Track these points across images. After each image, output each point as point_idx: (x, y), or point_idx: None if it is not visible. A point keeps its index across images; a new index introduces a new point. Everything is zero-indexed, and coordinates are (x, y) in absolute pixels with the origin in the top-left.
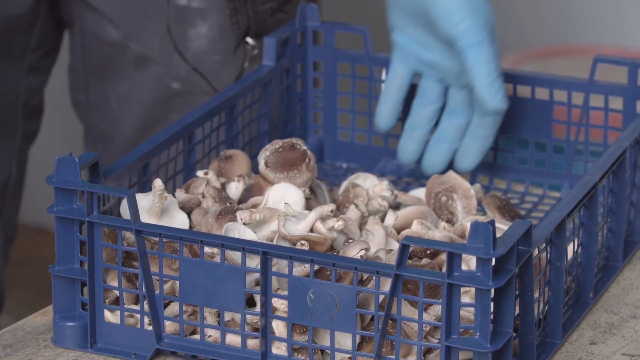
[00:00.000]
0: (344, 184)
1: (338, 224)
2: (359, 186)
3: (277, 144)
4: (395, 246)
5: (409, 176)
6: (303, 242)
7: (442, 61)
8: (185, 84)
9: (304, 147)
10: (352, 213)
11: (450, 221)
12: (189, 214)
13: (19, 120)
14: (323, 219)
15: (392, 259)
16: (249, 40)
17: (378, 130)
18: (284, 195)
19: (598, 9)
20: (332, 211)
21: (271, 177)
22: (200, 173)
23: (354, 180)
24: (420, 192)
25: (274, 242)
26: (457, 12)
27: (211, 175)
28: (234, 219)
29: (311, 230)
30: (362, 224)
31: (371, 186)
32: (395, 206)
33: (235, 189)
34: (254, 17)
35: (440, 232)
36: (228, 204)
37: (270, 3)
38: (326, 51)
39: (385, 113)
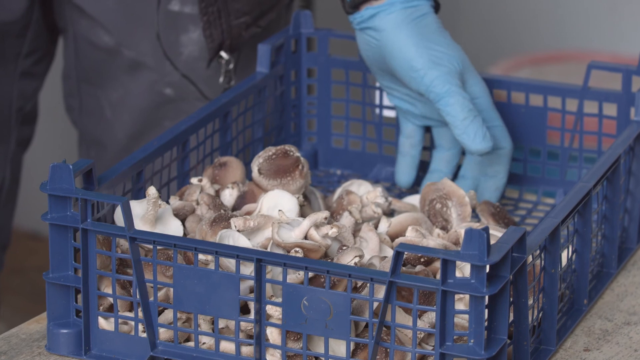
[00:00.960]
0: (338, 191)
1: (332, 231)
2: (353, 193)
3: (270, 151)
4: (389, 253)
5: None
6: (297, 249)
7: (428, 112)
8: (177, 90)
9: (297, 154)
10: (346, 220)
11: (444, 228)
12: (183, 221)
13: (12, 125)
14: (317, 226)
15: (386, 266)
16: (223, 54)
17: (400, 188)
18: (278, 202)
19: (592, 15)
20: (326, 218)
21: (265, 184)
22: (194, 180)
23: (347, 187)
24: (414, 199)
25: (268, 249)
26: (418, 69)
27: (205, 182)
28: (228, 226)
29: (305, 238)
30: (356, 231)
31: (365, 193)
32: (390, 213)
33: (229, 195)
34: (228, 31)
35: (434, 240)
36: (222, 211)
37: (245, 17)
38: (320, 58)
39: (403, 172)
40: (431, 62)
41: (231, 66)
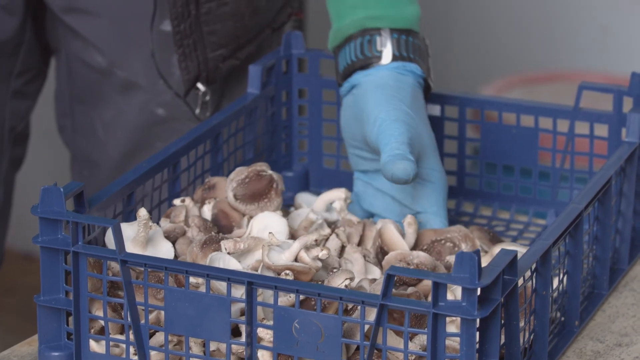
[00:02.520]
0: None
1: (322, 253)
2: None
3: (242, 173)
4: (375, 273)
5: None
6: (287, 272)
7: (387, 187)
8: (170, 110)
9: (269, 172)
10: (333, 242)
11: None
12: (173, 243)
13: (5, 146)
14: (307, 248)
15: (377, 289)
16: (200, 86)
17: None
18: (268, 224)
19: (584, 35)
20: (316, 240)
21: (242, 209)
22: (177, 201)
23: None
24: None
25: (259, 272)
26: (379, 117)
27: (188, 202)
28: (219, 248)
29: (295, 260)
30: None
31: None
32: (370, 215)
33: (208, 210)
34: (204, 64)
35: (423, 254)
36: (213, 233)
37: (222, 50)
38: (311, 78)
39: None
40: (395, 113)
41: (208, 98)
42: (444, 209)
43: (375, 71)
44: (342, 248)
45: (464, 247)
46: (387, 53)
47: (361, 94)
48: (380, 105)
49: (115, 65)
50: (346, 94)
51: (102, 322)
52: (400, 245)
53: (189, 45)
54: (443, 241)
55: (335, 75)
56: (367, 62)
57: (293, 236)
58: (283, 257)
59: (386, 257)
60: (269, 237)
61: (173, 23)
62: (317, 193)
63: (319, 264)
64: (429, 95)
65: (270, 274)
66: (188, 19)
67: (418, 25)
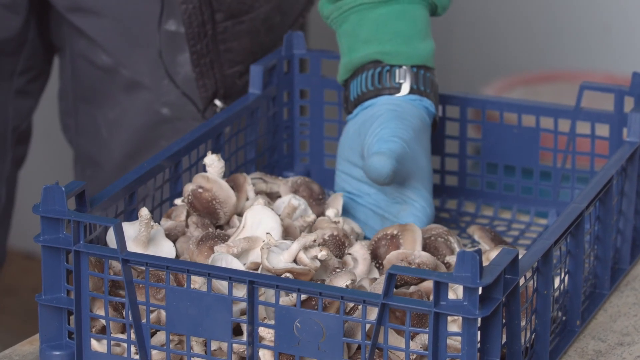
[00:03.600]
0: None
1: (321, 253)
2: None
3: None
4: (375, 272)
5: None
6: (288, 274)
7: (375, 204)
8: (174, 109)
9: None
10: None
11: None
12: (175, 242)
13: (8, 145)
14: (306, 248)
15: (378, 288)
16: (217, 102)
17: None
18: (262, 219)
19: (585, 35)
20: (314, 240)
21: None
22: (178, 201)
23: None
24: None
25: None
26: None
27: (185, 201)
28: (215, 245)
29: (295, 260)
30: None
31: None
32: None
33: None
34: (222, 81)
35: (425, 254)
36: (210, 230)
37: (238, 66)
38: (313, 79)
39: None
40: (397, 130)
41: None
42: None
43: (392, 98)
44: (340, 244)
45: (453, 240)
46: (406, 86)
47: (373, 112)
48: (386, 122)
49: (120, 65)
50: (354, 116)
51: (103, 322)
52: (418, 248)
53: (206, 64)
54: (433, 237)
55: (344, 104)
56: (383, 92)
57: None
58: (282, 259)
59: (387, 257)
60: (266, 237)
61: (190, 43)
62: None
63: (318, 264)
64: (435, 130)
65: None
66: (205, 38)
67: (432, 61)
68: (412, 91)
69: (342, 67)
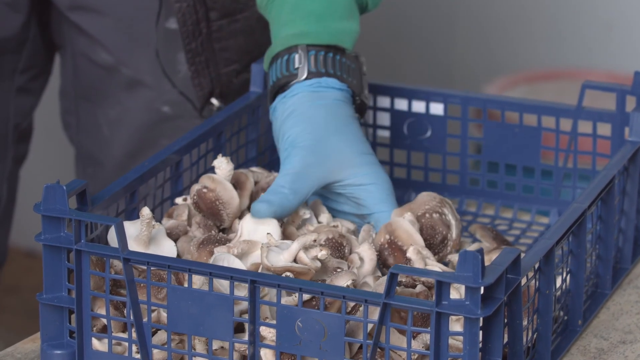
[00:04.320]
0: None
1: (321, 253)
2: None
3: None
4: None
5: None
6: (287, 273)
7: None
8: (175, 108)
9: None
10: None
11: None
12: (176, 242)
13: (9, 143)
14: (306, 248)
15: (381, 288)
16: (214, 101)
17: None
18: (258, 226)
19: (588, 33)
20: (315, 240)
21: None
22: (179, 200)
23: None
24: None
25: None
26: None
27: (190, 200)
28: (214, 250)
29: (295, 260)
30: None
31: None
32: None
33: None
34: (217, 79)
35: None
36: (213, 232)
37: (234, 65)
38: None
39: None
40: (295, 140)
41: None
42: (392, 204)
43: (290, 93)
44: (338, 245)
45: (448, 212)
46: (302, 70)
47: (276, 122)
48: (285, 133)
49: (121, 63)
50: (274, 110)
51: (104, 321)
52: (417, 239)
53: (202, 63)
54: (427, 215)
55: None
56: (286, 80)
57: (285, 233)
58: (282, 258)
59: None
60: (267, 237)
61: (184, 42)
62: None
63: (318, 264)
64: (365, 110)
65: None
66: (199, 37)
67: (350, 41)
68: (310, 75)
69: (265, 56)
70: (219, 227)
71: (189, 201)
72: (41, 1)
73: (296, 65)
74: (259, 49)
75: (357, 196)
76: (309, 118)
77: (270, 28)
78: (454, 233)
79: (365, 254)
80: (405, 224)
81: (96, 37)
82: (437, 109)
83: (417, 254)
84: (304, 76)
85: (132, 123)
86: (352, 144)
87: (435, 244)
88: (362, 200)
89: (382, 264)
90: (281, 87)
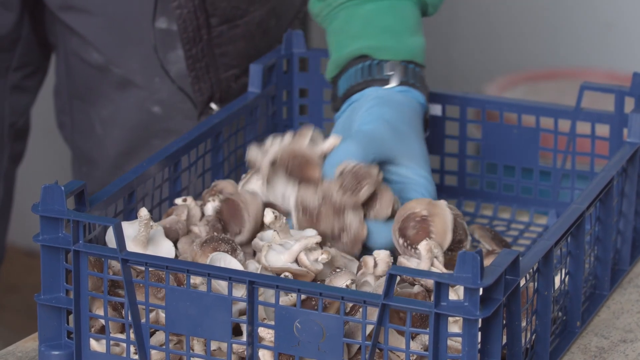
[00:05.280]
0: None
1: (322, 257)
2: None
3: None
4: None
5: None
6: (287, 274)
7: None
8: (165, 108)
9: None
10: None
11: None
12: (175, 242)
13: (5, 141)
14: (309, 249)
15: (380, 288)
16: (213, 106)
17: None
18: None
19: (587, 33)
20: (317, 243)
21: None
22: (179, 200)
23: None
24: None
25: (259, 271)
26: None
27: (190, 201)
28: (218, 247)
29: (296, 261)
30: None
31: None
32: None
33: (212, 209)
34: (217, 84)
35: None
36: (215, 233)
37: (234, 70)
38: (312, 78)
39: None
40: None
41: None
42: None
43: (380, 89)
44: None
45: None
46: (395, 78)
47: (359, 104)
48: (371, 108)
49: (112, 63)
50: (342, 112)
51: (102, 321)
52: (448, 237)
53: (202, 68)
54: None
55: (332, 103)
56: (372, 84)
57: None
58: (282, 259)
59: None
60: (272, 235)
61: (185, 47)
62: None
63: (320, 266)
64: (427, 127)
65: (269, 274)
66: (200, 43)
67: (422, 57)
68: (401, 84)
69: (330, 64)
70: (238, 232)
71: (210, 211)
72: (33, 1)
73: (387, 72)
74: (258, 54)
75: (397, 193)
76: (397, 107)
77: (332, 38)
78: (467, 244)
79: (380, 257)
80: (449, 217)
81: (87, 37)
82: (435, 109)
83: (428, 251)
84: (396, 84)
85: (125, 122)
86: (422, 149)
87: (453, 242)
88: (404, 191)
89: (400, 230)
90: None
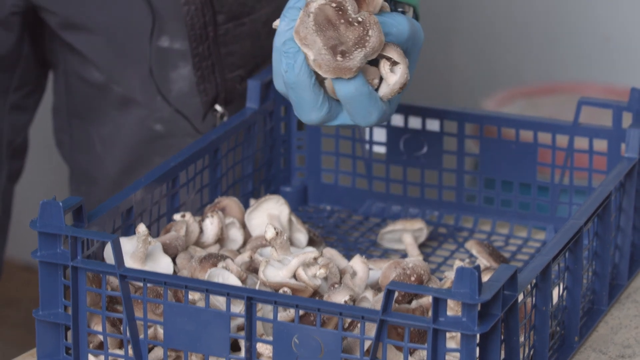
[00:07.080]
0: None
1: (320, 272)
2: None
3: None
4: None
5: (393, 218)
6: (285, 289)
7: None
8: (167, 125)
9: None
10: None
11: None
12: (173, 258)
13: (3, 159)
14: (306, 265)
15: (378, 304)
16: (218, 107)
17: None
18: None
19: (586, 47)
20: (315, 258)
21: None
22: (177, 216)
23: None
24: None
25: (257, 287)
26: None
27: (188, 217)
28: (217, 264)
29: (294, 277)
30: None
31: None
32: None
33: (210, 224)
34: (222, 85)
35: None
36: (213, 250)
37: (239, 70)
38: None
39: None
40: None
41: (225, 119)
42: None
43: None
44: None
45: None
46: None
47: None
48: None
49: (113, 81)
50: None
51: (101, 337)
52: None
53: (208, 68)
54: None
55: None
56: None
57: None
58: (280, 274)
59: (383, 270)
60: (270, 251)
61: (191, 45)
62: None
63: (318, 282)
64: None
65: (267, 289)
66: (206, 41)
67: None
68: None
69: None
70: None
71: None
72: (33, 20)
73: None
74: (263, 55)
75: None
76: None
77: None
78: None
79: (358, 267)
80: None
81: (87, 55)
82: (433, 125)
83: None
84: None
85: (125, 141)
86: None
87: None
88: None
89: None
90: None
